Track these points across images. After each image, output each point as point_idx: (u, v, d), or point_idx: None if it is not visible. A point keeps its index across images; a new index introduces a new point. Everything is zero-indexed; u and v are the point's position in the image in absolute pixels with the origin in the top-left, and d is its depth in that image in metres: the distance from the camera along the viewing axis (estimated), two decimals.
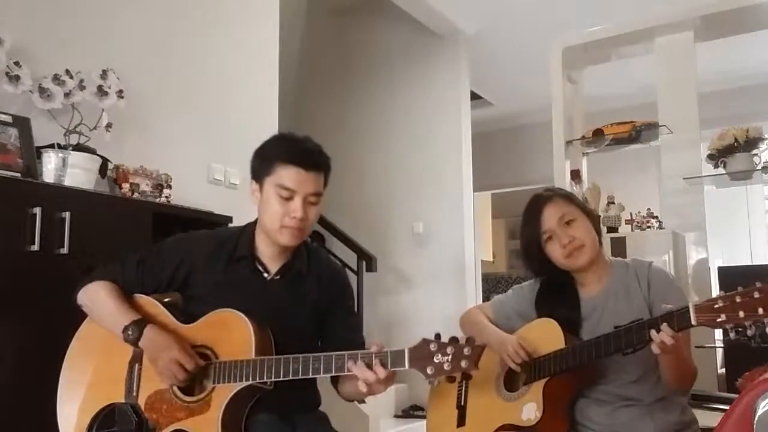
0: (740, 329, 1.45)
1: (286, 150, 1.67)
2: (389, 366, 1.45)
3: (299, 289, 1.74)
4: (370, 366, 1.45)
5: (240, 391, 1.55)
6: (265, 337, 1.59)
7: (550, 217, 1.78)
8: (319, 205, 1.69)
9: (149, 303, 1.72)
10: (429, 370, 1.41)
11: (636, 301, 1.75)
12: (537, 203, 1.83)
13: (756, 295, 1.40)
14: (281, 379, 1.53)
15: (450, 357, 1.40)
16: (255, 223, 1.76)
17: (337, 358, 1.50)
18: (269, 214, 1.67)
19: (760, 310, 1.39)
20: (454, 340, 1.42)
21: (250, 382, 1.54)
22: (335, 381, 1.73)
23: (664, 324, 1.49)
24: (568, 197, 1.86)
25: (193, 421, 1.56)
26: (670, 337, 1.48)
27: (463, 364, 1.39)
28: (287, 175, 1.64)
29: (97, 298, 1.69)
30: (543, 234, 1.79)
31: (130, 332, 1.61)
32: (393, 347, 1.46)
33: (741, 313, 1.40)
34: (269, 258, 1.74)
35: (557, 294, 1.84)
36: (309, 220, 1.68)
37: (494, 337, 1.84)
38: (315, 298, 1.75)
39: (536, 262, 1.84)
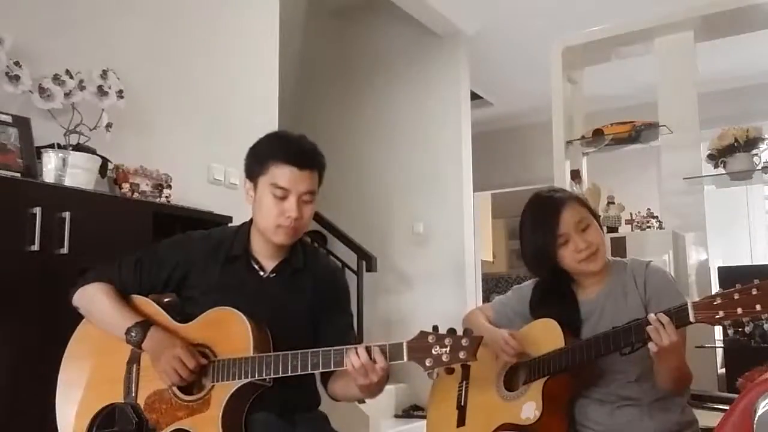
0: (739, 327, 1.45)
1: (280, 149, 1.67)
2: (388, 358, 1.45)
3: (296, 286, 1.74)
4: (369, 354, 1.45)
5: (240, 389, 1.55)
6: (263, 335, 1.59)
7: (568, 220, 1.74)
8: (313, 203, 1.69)
9: (146, 304, 1.72)
10: (427, 362, 1.41)
11: (632, 301, 1.74)
12: (553, 205, 1.77)
13: (754, 291, 1.40)
14: (280, 375, 1.53)
15: (448, 348, 1.40)
16: (251, 222, 1.76)
17: (336, 352, 1.50)
18: (263, 214, 1.67)
19: (758, 307, 1.39)
20: (451, 332, 1.42)
21: (249, 380, 1.54)
22: (325, 381, 1.74)
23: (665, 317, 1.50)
24: (580, 200, 1.83)
25: (194, 420, 1.56)
26: (672, 332, 1.48)
27: (462, 355, 1.39)
28: (281, 174, 1.64)
29: (96, 300, 1.69)
30: (559, 237, 1.74)
31: (133, 334, 1.61)
32: None
33: (739, 310, 1.41)
34: (265, 256, 1.74)
35: (555, 296, 1.83)
36: (303, 219, 1.68)
37: (487, 334, 1.80)
38: (312, 296, 1.75)
39: (546, 266, 1.80)
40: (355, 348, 1.47)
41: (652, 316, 1.51)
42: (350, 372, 1.48)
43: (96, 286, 1.70)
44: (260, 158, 1.68)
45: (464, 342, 1.40)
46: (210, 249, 1.74)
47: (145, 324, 1.62)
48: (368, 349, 1.47)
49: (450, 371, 1.44)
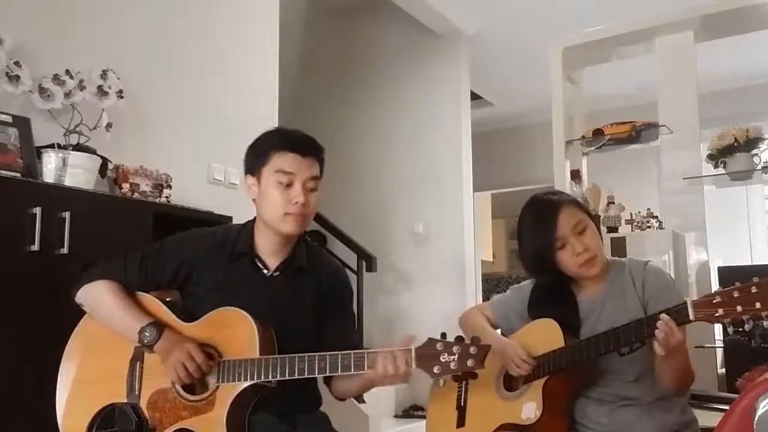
0: (741, 329, 1.45)
1: (280, 139, 1.70)
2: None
3: (299, 284, 1.74)
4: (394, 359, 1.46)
5: (244, 390, 1.54)
6: (268, 335, 1.59)
7: (565, 223, 1.73)
8: (318, 191, 1.70)
9: (151, 301, 1.71)
10: (435, 370, 1.42)
11: (631, 301, 1.74)
12: (550, 208, 1.77)
13: (753, 290, 1.41)
14: (286, 378, 1.52)
15: (456, 356, 1.41)
16: (254, 219, 1.76)
17: (344, 357, 1.51)
18: (271, 204, 1.67)
19: (758, 305, 1.40)
20: (460, 340, 1.44)
21: (254, 381, 1.54)
22: (328, 380, 1.73)
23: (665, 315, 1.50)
24: (577, 203, 1.83)
25: (197, 420, 1.56)
26: (674, 329, 1.48)
27: (470, 363, 1.41)
28: (285, 160, 1.65)
29: (103, 299, 1.68)
30: (557, 241, 1.74)
31: (147, 334, 1.60)
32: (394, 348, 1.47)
33: (739, 308, 1.42)
34: (269, 254, 1.74)
35: (554, 296, 1.83)
36: (310, 207, 1.69)
37: (494, 342, 1.80)
38: (315, 295, 1.75)
39: (546, 270, 1.80)
40: (391, 353, 1.47)
41: (664, 317, 1.51)
42: (376, 374, 1.48)
43: (102, 284, 1.69)
44: (261, 150, 1.70)
45: (472, 350, 1.42)
46: (214, 247, 1.74)
47: (158, 325, 1.62)
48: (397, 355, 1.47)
49: (457, 378, 1.45)
